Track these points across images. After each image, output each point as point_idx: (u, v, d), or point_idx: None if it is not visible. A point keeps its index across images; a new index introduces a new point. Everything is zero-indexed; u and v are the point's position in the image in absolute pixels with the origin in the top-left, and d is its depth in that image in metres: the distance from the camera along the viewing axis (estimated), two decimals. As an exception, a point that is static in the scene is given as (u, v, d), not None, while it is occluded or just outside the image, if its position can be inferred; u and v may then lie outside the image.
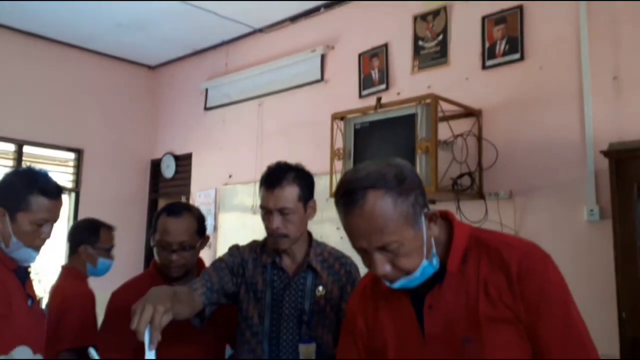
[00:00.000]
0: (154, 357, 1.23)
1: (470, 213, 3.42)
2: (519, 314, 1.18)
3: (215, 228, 5.21)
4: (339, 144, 3.80)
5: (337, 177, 3.74)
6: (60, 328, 2.49)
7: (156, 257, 2.10)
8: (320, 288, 1.87)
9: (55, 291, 2.68)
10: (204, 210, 5.50)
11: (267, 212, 1.84)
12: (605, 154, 2.80)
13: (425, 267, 1.21)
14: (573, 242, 3.20)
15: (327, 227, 4.13)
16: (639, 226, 2.76)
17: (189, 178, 5.62)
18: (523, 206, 3.46)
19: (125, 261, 3.04)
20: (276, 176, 1.84)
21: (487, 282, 1.21)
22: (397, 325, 1.30)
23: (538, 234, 3.20)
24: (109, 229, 2.86)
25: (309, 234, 1.96)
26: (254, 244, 1.98)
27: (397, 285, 1.22)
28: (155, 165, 5.94)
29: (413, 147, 3.36)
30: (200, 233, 2.10)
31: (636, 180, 2.72)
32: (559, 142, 3.31)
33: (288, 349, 1.82)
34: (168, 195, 5.93)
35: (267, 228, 1.85)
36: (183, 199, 5.65)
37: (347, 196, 1.19)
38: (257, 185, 5.43)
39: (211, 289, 1.82)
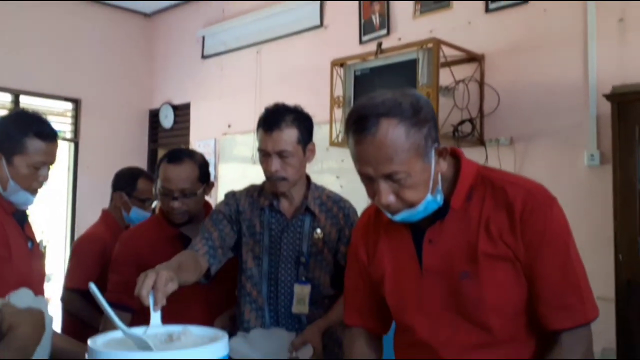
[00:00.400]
0: (159, 320, 1.23)
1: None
2: (518, 252, 1.19)
3: (215, 178, 5.22)
4: (339, 91, 3.76)
5: (337, 126, 3.72)
6: (68, 268, 2.58)
7: (160, 203, 2.11)
8: (318, 231, 1.87)
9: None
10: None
11: (265, 155, 1.82)
12: (608, 97, 2.78)
13: (429, 201, 1.20)
14: (573, 188, 3.21)
15: (326, 177, 4.14)
16: (639, 169, 2.77)
17: (187, 128, 5.59)
18: (523, 152, 3.46)
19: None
20: (274, 118, 1.81)
21: (490, 220, 1.20)
22: (396, 257, 1.31)
23: (539, 179, 3.18)
24: (149, 180, 2.75)
25: (308, 178, 1.95)
26: (251, 188, 1.98)
27: (398, 217, 1.21)
28: (154, 115, 5.90)
29: (414, 93, 3.34)
30: (202, 179, 2.07)
31: (638, 123, 2.71)
32: (561, 86, 3.28)
33: (286, 290, 1.84)
34: (167, 145, 5.91)
35: (266, 171, 1.83)
36: (182, 149, 5.64)
37: (359, 122, 1.16)
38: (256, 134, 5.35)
39: (213, 246, 1.82)
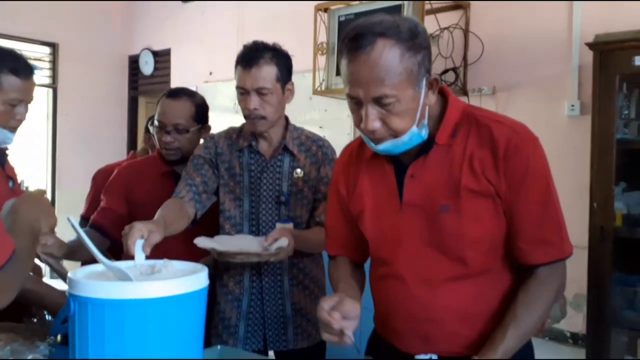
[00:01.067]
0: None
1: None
2: (500, 189, 1.20)
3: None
4: (323, 37, 3.71)
5: (320, 74, 3.69)
6: (86, 198, 2.66)
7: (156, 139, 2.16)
8: (298, 170, 1.88)
9: None
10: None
11: (243, 93, 1.79)
12: (591, 46, 2.78)
13: (413, 133, 1.19)
14: (552, 137, 3.23)
15: (309, 127, 4.08)
16: (618, 119, 2.80)
17: (168, 75, 5.50)
18: (505, 102, 3.48)
19: (107, 159, 3.02)
20: (253, 55, 1.78)
21: (473, 156, 1.22)
22: (377, 192, 1.32)
23: (518, 129, 3.24)
24: None
25: (286, 118, 1.95)
26: (230, 130, 1.98)
27: (381, 147, 1.21)
28: (134, 61, 5.78)
29: (398, 40, 3.32)
30: (198, 119, 2.07)
31: (619, 72, 2.72)
32: (545, 36, 3.27)
33: (268, 229, 1.86)
34: (148, 92, 5.82)
35: (244, 109, 1.81)
36: (163, 97, 5.56)
37: (355, 40, 1.13)
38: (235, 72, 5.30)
39: (197, 192, 1.84)
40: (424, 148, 1.24)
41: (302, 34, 4.11)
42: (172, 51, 5.47)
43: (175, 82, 5.43)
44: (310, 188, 1.90)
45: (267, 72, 1.76)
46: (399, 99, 1.14)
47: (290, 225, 1.85)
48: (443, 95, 1.28)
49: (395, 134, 1.18)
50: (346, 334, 1.12)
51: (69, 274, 1.10)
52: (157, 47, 5.60)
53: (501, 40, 3.41)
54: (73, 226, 1.11)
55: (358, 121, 1.19)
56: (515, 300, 1.21)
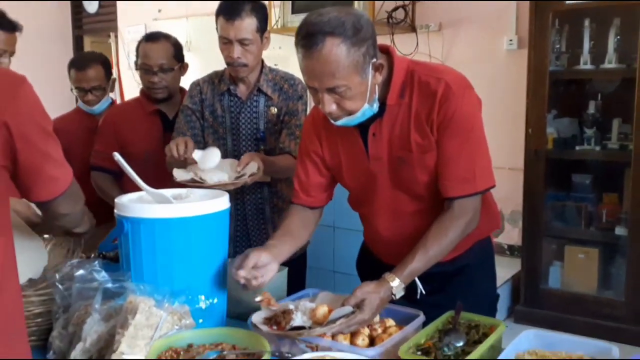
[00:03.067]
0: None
1: (402, 46, 3.66)
2: (435, 136, 1.40)
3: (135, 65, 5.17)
4: (277, -24, 3.80)
5: (275, 12, 3.80)
6: None
7: (140, 82, 2.30)
8: (273, 109, 2.07)
9: None
10: (134, 46, 5.42)
11: (226, 43, 1.95)
12: (528, -15, 3.06)
13: (365, 109, 1.36)
14: (493, 70, 3.57)
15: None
16: (551, 53, 3.13)
17: (114, 13, 5.40)
18: (451, 38, 3.74)
19: (53, 98, 3.00)
20: (235, 7, 1.92)
21: (419, 113, 1.40)
22: (348, 149, 1.52)
23: (463, 64, 3.51)
24: (77, 70, 2.67)
25: (262, 62, 2.10)
26: (213, 75, 2.13)
27: (339, 122, 1.39)
28: (76, -1, 5.62)
29: (352, -20, 3.47)
30: (177, 58, 2.27)
31: (552, 9, 3.02)
32: (487, -26, 3.53)
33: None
34: (93, 31, 5.72)
35: (227, 57, 1.97)
36: (111, 36, 5.48)
37: (307, 38, 1.27)
38: (189, 20, 5.29)
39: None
40: (380, 110, 1.42)
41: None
42: (117, -12, 5.35)
43: (123, 20, 5.36)
44: (281, 123, 2.08)
45: (249, 24, 1.92)
46: (349, 86, 1.30)
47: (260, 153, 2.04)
48: (389, 55, 1.43)
49: (350, 113, 1.36)
50: (252, 283, 1.32)
51: (116, 200, 1.30)
52: (101, -16, 5.46)
53: (446, -21, 3.63)
54: (119, 161, 1.30)
55: (317, 103, 1.38)
56: (429, 229, 1.40)
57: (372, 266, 1.65)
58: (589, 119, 3.13)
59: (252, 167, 1.83)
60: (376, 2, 3.55)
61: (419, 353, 1.16)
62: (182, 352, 1.19)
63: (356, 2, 3.50)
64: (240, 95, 2.07)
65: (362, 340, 1.26)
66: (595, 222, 3.20)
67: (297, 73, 2.20)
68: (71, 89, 2.51)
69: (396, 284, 1.31)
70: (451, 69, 1.47)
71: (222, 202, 1.34)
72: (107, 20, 5.48)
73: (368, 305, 1.26)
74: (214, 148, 1.88)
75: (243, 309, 1.44)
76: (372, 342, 1.27)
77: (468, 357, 1.13)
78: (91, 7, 5.52)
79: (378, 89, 1.39)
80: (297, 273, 1.87)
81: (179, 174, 1.79)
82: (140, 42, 2.27)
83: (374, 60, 1.33)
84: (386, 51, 1.43)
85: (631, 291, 2.98)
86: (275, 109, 2.08)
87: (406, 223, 1.51)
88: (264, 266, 1.37)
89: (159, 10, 5.10)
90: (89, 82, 2.43)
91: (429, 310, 1.35)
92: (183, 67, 2.31)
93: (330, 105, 1.33)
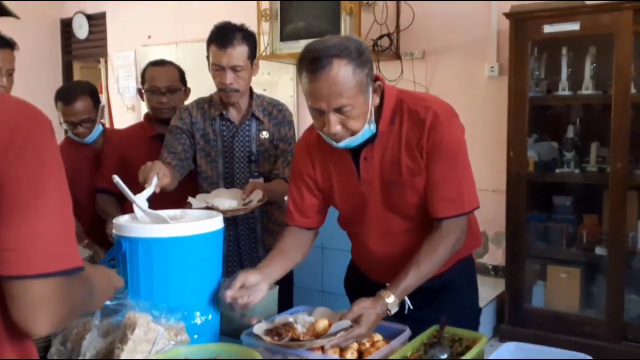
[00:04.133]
0: (144, 200, 1.47)
1: (388, 73, 3.78)
2: (424, 161, 1.48)
3: (137, 91, 5.23)
4: (266, 4, 3.91)
5: (264, 39, 3.90)
6: None
7: (146, 105, 2.43)
8: (265, 133, 2.17)
9: None
10: (124, 72, 5.51)
11: (219, 69, 2.04)
12: (507, 15, 3.18)
13: (366, 129, 1.44)
14: (475, 96, 3.68)
15: (254, 89, 4.32)
16: (531, 79, 3.25)
17: (104, 39, 5.48)
18: (434, 65, 3.86)
19: None
20: (227, 35, 2.02)
21: (409, 139, 1.48)
22: (340, 171, 1.59)
23: (446, 90, 3.64)
24: (64, 104, 2.63)
25: (250, 88, 2.21)
26: (200, 100, 2.22)
27: (342, 144, 1.45)
28: (66, 25, 5.69)
29: (338, 9, 3.59)
30: (182, 81, 2.43)
31: (531, 38, 3.15)
32: (468, 5, 3.66)
33: (242, 185, 2.13)
34: (83, 57, 5.78)
35: (220, 83, 2.07)
36: (101, 61, 5.56)
37: (314, 62, 1.34)
38: (178, 46, 5.37)
39: (180, 158, 2.07)
40: (371, 136, 1.50)
41: None
42: (107, 14, 5.43)
43: (113, 46, 5.44)
44: (273, 147, 2.19)
45: (240, 52, 2.02)
46: (354, 106, 1.38)
47: (260, 180, 2.13)
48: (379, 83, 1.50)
49: (352, 133, 1.43)
50: (238, 302, 1.39)
51: (114, 221, 1.35)
52: (91, 10, 5.54)
53: (430, 9, 3.77)
54: (118, 183, 1.36)
55: (321, 126, 1.43)
56: (420, 247, 1.46)
57: (360, 284, 1.72)
58: (568, 142, 3.23)
59: (257, 194, 1.96)
60: (362, 30, 3.66)
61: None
62: (178, 367, 1.23)
63: (342, 27, 3.61)
64: (233, 119, 2.16)
65: (351, 354, 1.31)
66: (576, 243, 3.28)
67: (284, 98, 2.31)
68: (60, 123, 2.46)
69: (391, 300, 1.38)
70: (437, 97, 1.56)
71: (216, 223, 1.40)
72: (97, 46, 5.55)
73: (365, 320, 1.31)
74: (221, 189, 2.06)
75: (235, 327, 1.49)
76: (360, 356, 1.32)
77: (452, 368, 1.19)
78: (81, 33, 5.60)
79: (373, 112, 1.46)
80: (284, 292, 1.91)
81: (194, 202, 1.94)
82: (146, 68, 2.43)
83: (373, 83, 1.43)
84: (376, 80, 1.49)
85: (611, 310, 3.05)
86: (267, 133, 2.18)
87: (396, 242, 1.58)
88: (253, 286, 1.43)
89: (149, 37, 5.19)
90: (77, 115, 2.39)
91: (415, 325, 1.41)
92: (186, 92, 2.44)
93: (335, 126, 1.39)
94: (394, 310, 1.39)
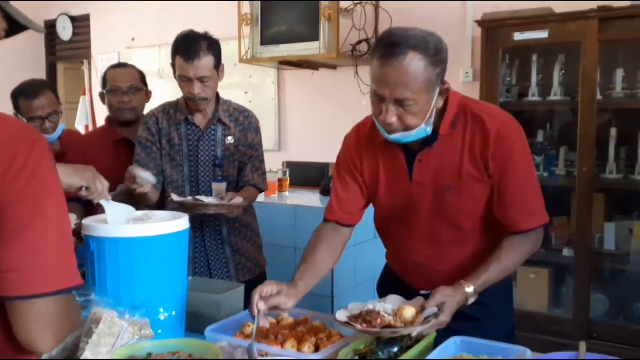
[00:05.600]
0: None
1: (366, 77, 3.85)
2: (490, 171, 1.45)
3: (100, 95, 5.27)
4: (246, 8, 3.98)
5: (245, 43, 3.97)
6: None
7: (108, 108, 2.44)
8: (230, 138, 2.22)
9: None
10: (107, 74, 5.55)
11: (186, 80, 2.09)
12: (479, 23, 3.28)
13: (421, 129, 1.41)
14: (450, 100, 3.77)
15: (235, 92, 4.39)
16: (502, 85, 3.34)
17: (88, 41, 5.52)
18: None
19: None
20: (193, 48, 2.05)
21: (472, 144, 1.45)
22: (389, 169, 1.55)
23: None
24: (27, 99, 2.55)
25: (217, 93, 2.25)
26: (167, 105, 2.27)
27: (393, 137, 1.42)
28: (50, 27, 5.72)
29: (317, 14, 3.67)
30: (144, 82, 2.46)
31: (502, 46, 3.24)
32: (444, 13, 3.76)
33: (206, 188, 2.20)
34: (67, 59, 5.82)
35: (188, 94, 2.11)
36: (85, 63, 5.59)
37: (391, 47, 1.32)
38: (161, 49, 5.41)
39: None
40: (430, 138, 1.47)
41: (225, 3, 4.33)
42: (91, 16, 5.48)
43: (97, 48, 5.48)
44: (239, 152, 2.24)
45: (206, 62, 2.06)
46: (417, 102, 1.35)
47: (224, 185, 2.18)
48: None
49: (407, 129, 1.40)
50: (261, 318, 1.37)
51: (84, 221, 1.42)
52: (75, 12, 5.58)
53: (407, 15, 3.85)
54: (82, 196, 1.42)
55: (378, 113, 1.41)
56: (500, 246, 1.47)
57: (395, 289, 1.64)
58: (538, 147, 3.33)
59: (237, 199, 2.04)
60: (341, 32, 3.74)
61: (357, 357, 1.29)
62: (141, 360, 1.30)
63: (322, 32, 3.69)
64: (199, 124, 2.21)
65: (308, 348, 1.38)
66: (545, 244, 3.38)
67: (266, 100, 2.37)
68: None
69: (471, 291, 1.39)
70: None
71: (181, 224, 1.46)
72: (81, 48, 5.59)
73: (448, 308, 1.33)
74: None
75: (202, 324, 1.55)
76: (317, 349, 1.39)
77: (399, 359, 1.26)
78: (65, 34, 5.63)
79: (435, 114, 1.44)
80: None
81: (175, 197, 2.03)
82: (107, 71, 2.46)
83: (442, 85, 1.41)
84: (445, 84, 1.47)
85: (577, 309, 3.15)
86: (232, 139, 2.23)
87: (439, 250, 1.56)
88: (279, 298, 1.40)
89: (133, 39, 5.24)
90: (44, 109, 2.34)
91: (443, 333, 1.37)
92: (147, 94, 2.48)
93: (392, 117, 1.37)
94: (471, 301, 1.40)
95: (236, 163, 2.24)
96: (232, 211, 2.06)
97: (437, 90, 1.39)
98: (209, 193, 2.19)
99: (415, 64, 1.32)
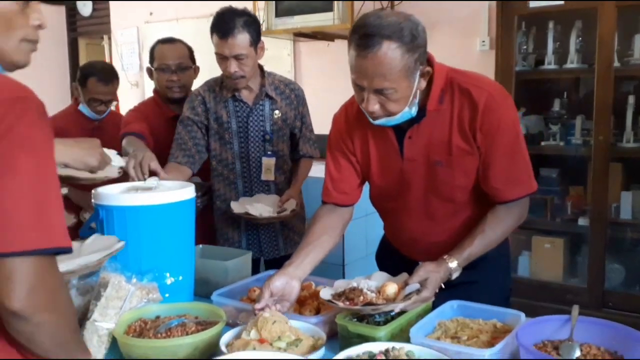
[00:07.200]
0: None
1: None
2: (478, 143, 1.44)
3: (140, 68, 5.34)
4: (261, -20, 3.97)
5: (260, 15, 3.96)
6: None
7: (156, 84, 2.42)
8: (277, 112, 2.21)
9: None
10: (127, 49, 5.60)
11: (222, 59, 2.07)
12: (494, -10, 3.22)
13: (405, 112, 1.41)
14: (467, 69, 3.68)
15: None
16: (518, 54, 3.29)
17: (108, 16, 5.56)
18: (428, 39, 3.89)
19: (51, 101, 3.12)
20: (227, 25, 2.02)
21: (460, 118, 1.44)
22: (380, 147, 1.55)
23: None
24: (101, 81, 2.70)
25: (261, 68, 2.24)
26: (212, 82, 2.25)
27: (378, 122, 1.43)
28: (71, 2, 5.79)
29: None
30: (192, 60, 2.42)
31: (517, 13, 3.19)
32: (460, -21, 3.69)
33: (257, 163, 2.22)
34: (88, 34, 5.88)
35: (225, 71, 2.10)
36: (105, 39, 5.66)
37: (365, 39, 1.30)
38: (179, 22, 5.43)
39: (190, 154, 2.14)
40: (419, 115, 1.47)
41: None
42: (110, -8, 5.51)
43: (116, 23, 5.52)
44: (287, 126, 2.25)
45: (242, 40, 2.02)
46: (396, 89, 1.35)
47: (273, 160, 2.21)
48: (429, 61, 1.44)
49: (390, 114, 1.41)
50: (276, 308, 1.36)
51: (93, 192, 1.47)
52: (95, -12, 5.62)
53: (423, -17, 3.79)
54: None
55: (360, 100, 1.41)
56: (484, 218, 1.47)
57: (392, 259, 1.72)
58: (554, 116, 3.29)
59: (292, 203, 2.09)
60: (355, 2, 3.71)
61: (355, 320, 1.33)
62: (149, 322, 1.36)
63: (335, 3, 3.67)
64: (246, 100, 2.19)
65: (309, 311, 1.43)
66: (561, 214, 3.36)
67: (282, 73, 2.37)
68: (77, 97, 2.59)
69: (454, 266, 1.40)
70: (487, 77, 1.53)
71: (187, 192, 1.51)
72: (100, 23, 5.64)
73: (431, 284, 1.34)
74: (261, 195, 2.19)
75: (210, 289, 1.61)
76: (317, 313, 1.44)
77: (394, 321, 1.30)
78: (85, 10, 5.69)
79: (419, 94, 1.43)
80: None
81: (235, 207, 2.13)
82: (155, 46, 2.41)
83: (422, 67, 1.39)
84: (428, 60, 1.45)
85: (592, 279, 3.15)
86: (279, 112, 2.22)
87: (434, 223, 1.58)
88: (282, 290, 1.41)
89: (151, 13, 5.26)
90: (107, 95, 2.56)
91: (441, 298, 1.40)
92: (195, 70, 2.43)
93: (374, 105, 1.37)
94: (455, 275, 1.40)
95: (285, 137, 2.24)
96: (285, 218, 2.11)
97: (417, 74, 1.38)
98: (260, 169, 2.21)
99: (390, 53, 1.30)
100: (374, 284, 1.40)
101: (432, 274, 1.36)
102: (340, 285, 1.42)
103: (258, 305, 1.36)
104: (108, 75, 2.58)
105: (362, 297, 1.32)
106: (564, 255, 3.32)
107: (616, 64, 2.99)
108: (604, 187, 3.07)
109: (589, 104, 3.11)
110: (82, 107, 2.63)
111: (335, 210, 1.63)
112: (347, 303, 1.32)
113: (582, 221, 3.21)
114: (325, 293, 1.39)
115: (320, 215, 1.62)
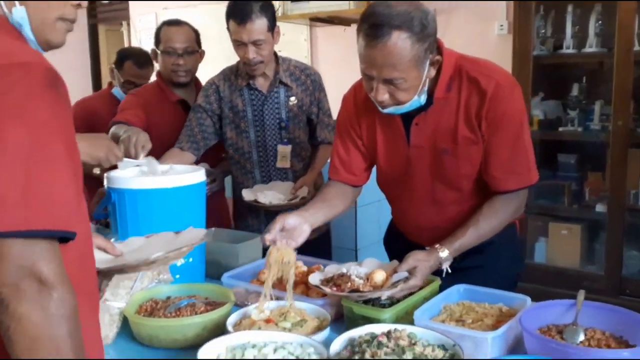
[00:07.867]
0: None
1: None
2: (482, 131, 1.44)
3: (152, 52, 5.35)
4: (277, -35, 3.96)
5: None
6: None
7: (160, 68, 2.36)
8: (293, 98, 2.20)
9: None
10: (146, 35, 5.64)
11: (240, 45, 2.06)
12: (513, -27, 3.17)
13: (414, 101, 1.42)
14: (484, 54, 3.53)
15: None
16: (536, 38, 3.25)
17: (127, 2, 5.60)
18: (445, 23, 3.86)
19: (72, 87, 3.16)
20: (244, 11, 2.01)
21: (467, 107, 1.43)
22: (387, 133, 1.56)
23: (456, 48, 3.60)
24: (136, 65, 2.82)
25: (275, 54, 2.22)
26: (227, 71, 2.24)
27: (386, 110, 1.44)
28: (90, -11, 5.85)
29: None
30: (198, 43, 2.35)
31: (535, -4, 3.14)
32: (478, -38, 3.64)
33: (273, 152, 2.21)
34: (107, 20, 5.93)
35: (243, 57, 2.08)
36: (124, 25, 5.70)
37: (374, 28, 1.30)
38: (197, 8, 5.43)
39: (195, 141, 2.16)
40: (426, 102, 1.47)
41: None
42: (128, -23, 5.55)
43: (135, 9, 5.56)
44: (303, 112, 2.23)
45: (259, 25, 2.01)
46: (406, 79, 1.35)
47: (289, 147, 2.20)
48: (438, 48, 1.44)
49: (399, 103, 1.41)
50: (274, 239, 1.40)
51: (105, 174, 1.51)
52: (113, -26, 5.66)
53: (440, -34, 3.75)
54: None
55: (369, 89, 1.41)
56: (480, 209, 1.47)
57: (399, 243, 1.72)
58: (573, 101, 3.24)
59: (304, 190, 2.08)
60: (371, -10, 3.69)
61: (360, 302, 1.34)
62: (160, 302, 1.40)
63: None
64: (261, 88, 2.18)
65: (316, 293, 1.45)
66: (578, 200, 3.33)
67: (299, 59, 2.35)
68: (115, 78, 2.70)
69: (445, 255, 1.40)
70: (497, 66, 1.51)
71: (197, 176, 1.54)
72: (120, 9, 5.69)
73: (420, 272, 1.34)
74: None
75: (221, 271, 1.64)
76: (324, 296, 1.46)
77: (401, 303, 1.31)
78: (105, -4, 5.74)
79: (428, 82, 1.43)
80: (323, 251, 2.07)
81: (246, 194, 2.11)
82: (161, 27, 2.33)
83: (432, 56, 1.38)
84: (438, 48, 1.45)
85: (610, 265, 3.12)
86: (295, 99, 2.20)
87: (440, 210, 1.58)
88: (293, 229, 1.43)
89: (169, -1, 5.29)
90: (141, 79, 2.68)
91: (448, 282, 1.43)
92: (201, 54, 2.38)
93: (383, 95, 1.38)
94: (445, 265, 1.41)
95: (301, 124, 2.23)
96: (295, 205, 2.06)
97: (427, 63, 1.37)
98: (276, 157, 2.21)
99: (400, 43, 1.30)
100: (364, 270, 1.42)
101: (421, 262, 1.37)
102: (330, 270, 1.44)
103: (268, 236, 1.37)
104: (143, 59, 2.69)
105: (349, 284, 1.34)
106: (582, 242, 3.29)
107: (636, 47, 2.93)
108: (622, 173, 3.03)
109: (608, 89, 3.06)
110: (116, 91, 2.72)
111: (342, 187, 1.65)
112: (334, 289, 1.33)
113: (600, 207, 3.17)
114: (315, 278, 1.41)
115: (331, 185, 1.64)
